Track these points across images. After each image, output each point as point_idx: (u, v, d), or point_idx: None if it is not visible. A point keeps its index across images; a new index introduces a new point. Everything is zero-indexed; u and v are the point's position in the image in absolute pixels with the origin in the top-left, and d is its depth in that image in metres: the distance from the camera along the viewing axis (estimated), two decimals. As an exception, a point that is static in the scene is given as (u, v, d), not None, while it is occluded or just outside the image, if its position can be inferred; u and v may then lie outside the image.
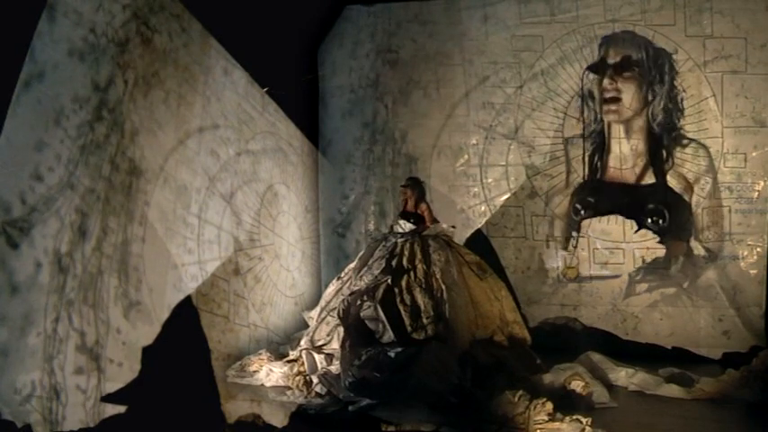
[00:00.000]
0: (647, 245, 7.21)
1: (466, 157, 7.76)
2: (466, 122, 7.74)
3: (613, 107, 7.25)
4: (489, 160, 7.68)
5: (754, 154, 6.95)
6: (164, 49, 5.43)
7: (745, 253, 6.96)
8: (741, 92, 6.95)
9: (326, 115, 8.25)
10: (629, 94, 7.20)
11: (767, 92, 6.90)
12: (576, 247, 7.37)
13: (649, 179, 7.23)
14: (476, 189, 7.74)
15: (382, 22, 7.95)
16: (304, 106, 7.99)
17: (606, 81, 7.25)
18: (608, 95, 7.26)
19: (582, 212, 7.36)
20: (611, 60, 7.24)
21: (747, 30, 6.89)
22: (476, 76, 7.68)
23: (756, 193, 6.95)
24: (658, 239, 7.17)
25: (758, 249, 6.92)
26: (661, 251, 7.17)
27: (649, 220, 7.17)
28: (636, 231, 7.20)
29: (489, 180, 7.69)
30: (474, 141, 7.73)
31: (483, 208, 7.71)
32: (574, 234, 7.39)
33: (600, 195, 7.35)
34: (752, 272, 6.94)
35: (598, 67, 7.29)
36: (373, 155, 8.04)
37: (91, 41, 4.56)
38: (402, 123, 7.92)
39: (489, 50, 7.62)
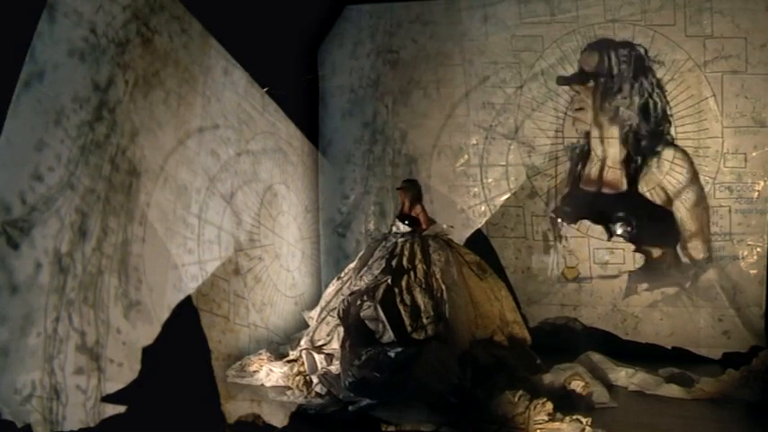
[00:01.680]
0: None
1: (466, 157, 7.76)
2: (466, 122, 7.74)
3: (579, 117, 7.33)
4: (489, 160, 7.68)
5: (754, 154, 6.96)
6: (164, 50, 5.43)
7: (745, 253, 6.96)
8: (741, 92, 6.95)
9: (326, 115, 8.25)
10: (589, 104, 7.25)
11: (767, 92, 6.90)
12: (557, 255, 7.41)
13: (618, 187, 7.29)
14: (476, 189, 7.74)
15: (383, 23, 7.95)
16: (304, 106, 7.99)
17: (572, 92, 7.34)
18: (575, 106, 7.36)
19: (558, 221, 7.43)
20: (571, 71, 7.33)
21: (747, 30, 6.89)
22: (476, 76, 7.68)
23: (756, 193, 6.95)
24: (634, 248, 7.22)
25: (758, 249, 6.92)
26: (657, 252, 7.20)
27: (618, 229, 7.23)
28: (608, 239, 7.26)
29: (489, 180, 7.69)
30: (474, 141, 7.73)
31: (483, 208, 7.71)
32: (558, 243, 7.43)
33: (574, 204, 7.41)
34: (752, 272, 6.94)
35: (562, 78, 7.37)
36: (373, 155, 8.04)
37: (91, 42, 4.56)
38: (402, 123, 7.92)
39: (489, 50, 7.62)
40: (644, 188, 7.19)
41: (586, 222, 7.34)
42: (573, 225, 7.39)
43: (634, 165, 7.22)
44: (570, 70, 7.38)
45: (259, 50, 6.68)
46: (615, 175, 7.28)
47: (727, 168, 7.01)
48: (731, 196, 7.00)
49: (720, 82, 6.99)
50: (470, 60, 7.67)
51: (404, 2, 7.87)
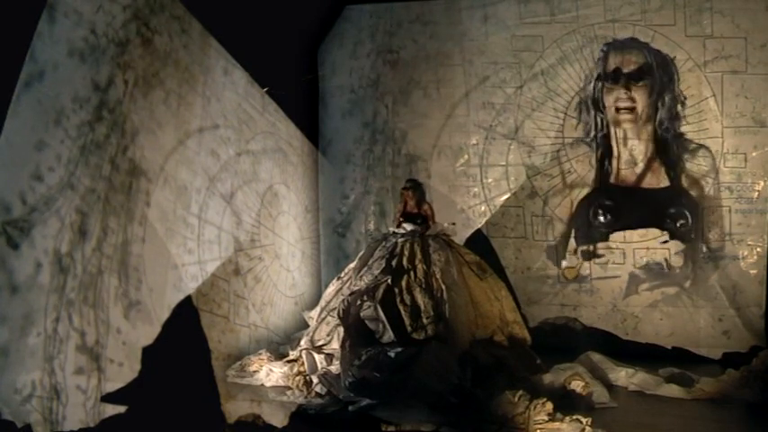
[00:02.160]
0: (647, 245, 7.22)
1: (466, 157, 7.76)
2: (466, 122, 7.74)
3: (628, 116, 7.22)
4: (489, 160, 7.68)
5: (754, 154, 6.96)
6: (164, 50, 5.43)
7: (745, 253, 6.96)
8: (741, 92, 6.95)
9: (326, 115, 8.25)
10: (642, 103, 7.18)
11: (767, 92, 6.90)
12: (601, 257, 7.31)
13: (658, 182, 7.21)
14: (476, 189, 7.74)
15: (382, 23, 7.95)
16: (304, 106, 8.00)
17: (621, 90, 7.21)
18: (623, 105, 7.22)
19: (601, 218, 7.30)
20: (625, 69, 7.19)
21: (747, 30, 6.90)
22: (476, 76, 7.68)
23: (756, 193, 6.95)
24: (682, 243, 7.11)
25: (758, 249, 6.92)
26: (661, 251, 7.17)
27: (677, 225, 7.10)
28: (665, 242, 7.13)
29: (489, 180, 7.69)
30: (474, 141, 7.73)
31: (483, 208, 7.71)
32: (599, 245, 7.31)
33: (616, 200, 7.29)
34: (752, 272, 6.94)
35: (611, 76, 7.24)
36: (373, 155, 8.04)
37: (91, 42, 4.56)
38: (402, 123, 7.93)
39: (489, 50, 7.62)
40: (683, 183, 7.13)
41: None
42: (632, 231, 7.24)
43: (666, 160, 7.17)
44: (570, 70, 7.38)
45: (259, 50, 6.68)
46: (642, 170, 7.24)
47: (727, 168, 7.01)
48: (731, 196, 6.99)
49: (720, 82, 6.99)
50: (470, 60, 7.68)
51: (404, 2, 7.88)
